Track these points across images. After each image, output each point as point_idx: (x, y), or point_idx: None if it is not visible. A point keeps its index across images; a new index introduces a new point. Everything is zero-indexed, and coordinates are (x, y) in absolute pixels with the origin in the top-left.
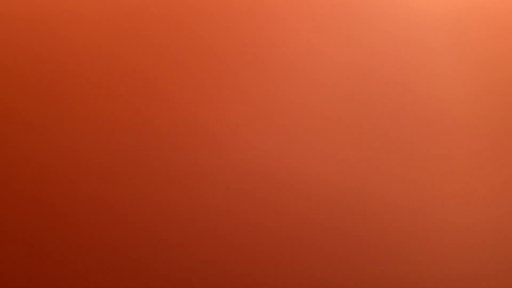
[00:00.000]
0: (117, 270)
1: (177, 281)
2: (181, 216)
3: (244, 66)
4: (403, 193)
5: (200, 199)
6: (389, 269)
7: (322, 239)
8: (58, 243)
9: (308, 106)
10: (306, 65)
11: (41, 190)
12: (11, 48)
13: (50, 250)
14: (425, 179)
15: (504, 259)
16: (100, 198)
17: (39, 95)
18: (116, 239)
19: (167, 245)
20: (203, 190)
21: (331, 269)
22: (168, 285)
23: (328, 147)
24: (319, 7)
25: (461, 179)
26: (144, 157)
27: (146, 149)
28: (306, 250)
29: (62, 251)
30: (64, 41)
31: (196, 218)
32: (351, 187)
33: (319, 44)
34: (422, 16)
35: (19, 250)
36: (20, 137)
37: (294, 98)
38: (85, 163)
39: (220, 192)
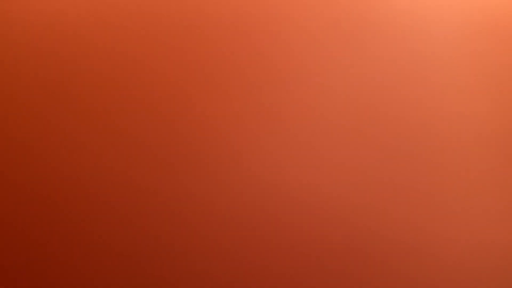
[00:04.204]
0: (117, 270)
1: (177, 284)
2: (185, 218)
3: (257, 74)
4: (405, 208)
5: (203, 203)
6: (388, 284)
7: (323, 249)
8: (61, 242)
9: (314, 116)
10: (312, 75)
11: (44, 189)
12: (15, 49)
13: (52, 249)
14: (429, 196)
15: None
16: (106, 198)
17: (43, 95)
18: (120, 240)
19: (168, 247)
20: (207, 193)
21: (330, 281)
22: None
23: (332, 158)
24: (328, 17)
25: (464, 198)
26: (150, 160)
27: (152, 151)
28: (307, 261)
29: (64, 250)
30: (70, 43)
31: (200, 222)
32: (354, 201)
33: (333, 54)
34: (430, 26)
35: (21, 250)
36: (23, 136)
37: (301, 109)
38: (90, 164)
39: (228, 197)
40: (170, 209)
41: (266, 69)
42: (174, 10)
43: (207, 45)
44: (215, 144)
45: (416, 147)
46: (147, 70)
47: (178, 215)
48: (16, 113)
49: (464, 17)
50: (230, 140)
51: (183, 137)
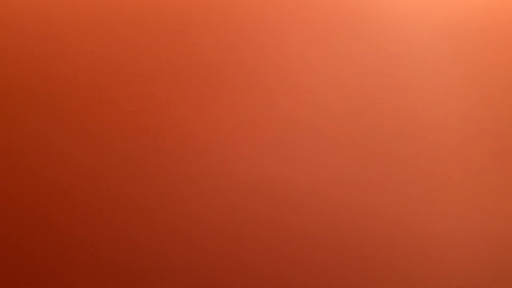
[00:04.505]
0: (111, 274)
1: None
2: (174, 225)
3: (241, 76)
4: (399, 208)
5: (193, 208)
6: (384, 284)
7: (315, 251)
8: (56, 246)
9: (303, 116)
10: (302, 75)
11: (39, 193)
12: (11, 51)
13: (47, 253)
14: (423, 193)
15: (503, 276)
16: (94, 203)
17: (36, 99)
18: (109, 244)
19: (155, 250)
20: (196, 199)
21: (324, 282)
22: None
23: (323, 158)
24: (317, 20)
25: (459, 196)
26: (139, 165)
27: (141, 156)
28: (300, 262)
29: (59, 254)
30: (61, 46)
31: (187, 224)
32: (347, 200)
33: (316, 56)
34: (418, 28)
35: (18, 253)
36: (19, 140)
37: (289, 108)
38: (80, 168)
39: (213, 202)
40: (159, 212)
41: (258, 70)
42: (161, 17)
43: (197, 47)
44: (206, 146)
45: (410, 146)
46: (137, 76)
47: (168, 218)
48: (11, 114)
49: (455, 18)
50: (221, 142)
51: (168, 139)
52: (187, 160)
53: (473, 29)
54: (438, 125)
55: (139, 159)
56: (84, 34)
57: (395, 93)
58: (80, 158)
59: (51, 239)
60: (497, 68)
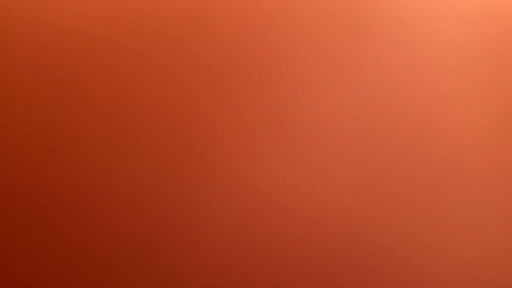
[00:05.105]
0: (113, 270)
1: (169, 285)
2: (176, 220)
3: (245, 79)
4: (410, 224)
5: (197, 205)
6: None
7: (318, 255)
8: (61, 244)
9: (310, 121)
10: (306, 78)
11: (44, 188)
12: (13, 51)
13: (51, 250)
14: (424, 195)
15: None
16: (100, 201)
17: (40, 96)
18: (115, 242)
19: (162, 248)
20: (200, 196)
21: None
22: None
23: (328, 164)
24: (323, 21)
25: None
26: (142, 162)
27: (143, 154)
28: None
29: (64, 251)
30: (65, 43)
31: (192, 223)
32: (348, 204)
33: (326, 57)
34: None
35: (21, 250)
36: (22, 138)
37: (294, 112)
38: (86, 166)
39: (217, 199)
40: (166, 211)
41: (262, 72)
42: (169, 12)
43: (200, 49)
44: (212, 146)
45: (413, 149)
46: (140, 72)
47: (174, 217)
48: (16, 112)
49: (466, 18)
50: (227, 143)
51: (181, 138)
52: (196, 160)
53: (479, 29)
54: (440, 125)
55: (146, 158)
56: (92, 36)
57: (405, 97)
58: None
59: (54, 239)
60: (501, 67)
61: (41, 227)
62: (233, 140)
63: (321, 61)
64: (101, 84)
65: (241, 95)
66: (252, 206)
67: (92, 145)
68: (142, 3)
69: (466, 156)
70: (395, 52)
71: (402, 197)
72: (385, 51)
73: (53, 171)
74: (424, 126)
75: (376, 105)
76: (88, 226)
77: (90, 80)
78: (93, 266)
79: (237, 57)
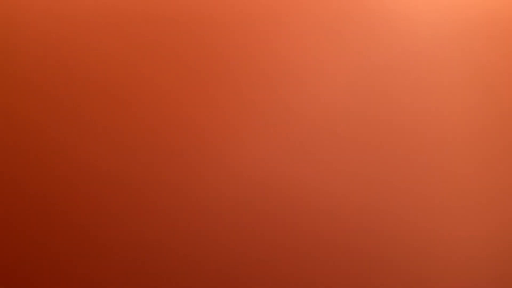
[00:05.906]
0: (115, 271)
1: (168, 282)
2: (176, 218)
3: (248, 76)
4: (400, 207)
5: (196, 202)
6: (388, 280)
7: (321, 248)
8: (59, 243)
9: (310, 116)
10: (309, 74)
11: (43, 190)
12: (14, 50)
13: (50, 250)
14: (426, 194)
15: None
16: (98, 200)
17: (40, 97)
18: (112, 241)
19: (160, 247)
20: (199, 193)
21: (325, 280)
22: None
23: (328, 157)
24: (324, 18)
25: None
26: (143, 161)
27: (144, 152)
28: (305, 259)
29: (62, 251)
30: (66, 43)
31: (192, 221)
32: (349, 198)
33: (323, 55)
34: (423, 26)
35: (20, 249)
36: (22, 138)
37: (296, 107)
38: (85, 165)
39: (219, 200)
40: (162, 207)
41: (259, 68)
42: (167, 14)
43: (198, 47)
44: (208, 143)
45: (412, 145)
46: (138, 72)
47: (170, 213)
48: (14, 114)
49: (456, 16)
50: (228, 140)
51: (175, 137)
52: (194, 158)
53: (478, 28)
54: (443, 123)
55: (147, 157)
56: (95, 33)
57: (402, 92)
58: (86, 156)
59: (54, 239)
60: (502, 67)
61: (41, 227)
62: (235, 137)
63: (321, 60)
64: (101, 84)
65: (243, 93)
66: (256, 200)
67: (90, 144)
68: (142, 3)
69: (468, 156)
70: (395, 52)
71: (407, 188)
72: (385, 51)
73: (53, 171)
74: (424, 124)
75: (376, 105)
76: (87, 223)
77: (88, 82)
78: (93, 266)
79: (237, 57)
